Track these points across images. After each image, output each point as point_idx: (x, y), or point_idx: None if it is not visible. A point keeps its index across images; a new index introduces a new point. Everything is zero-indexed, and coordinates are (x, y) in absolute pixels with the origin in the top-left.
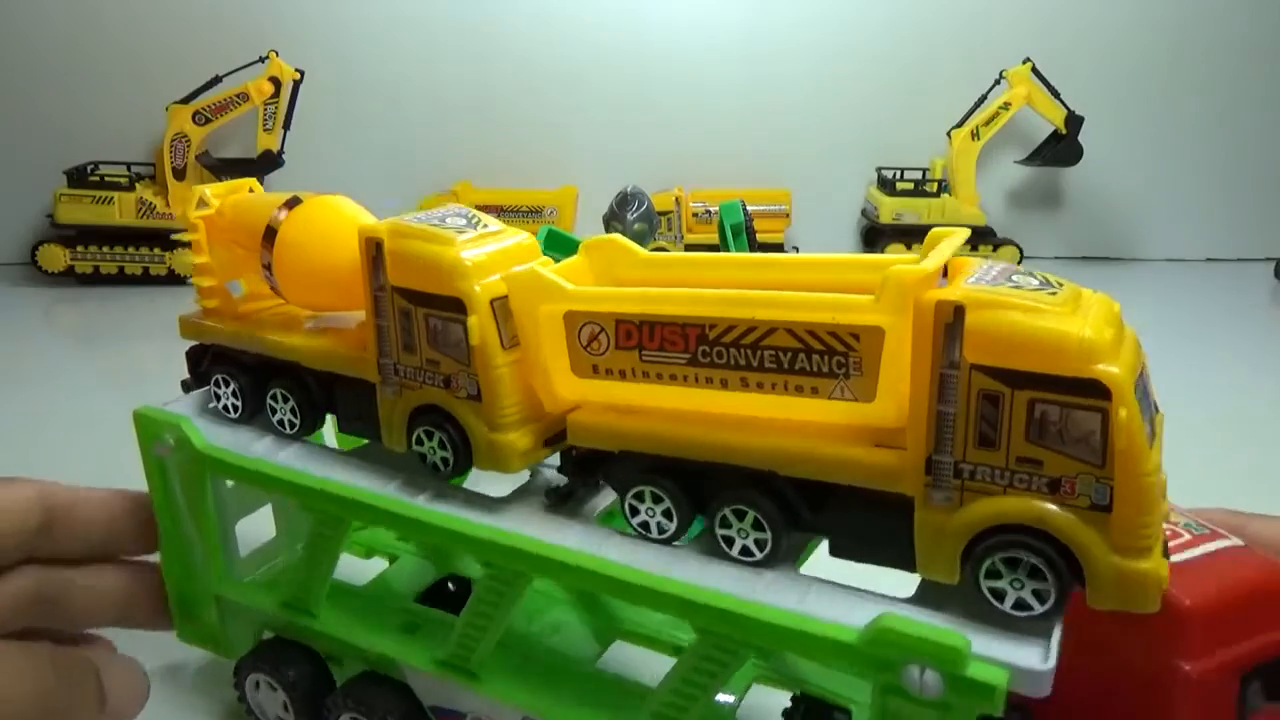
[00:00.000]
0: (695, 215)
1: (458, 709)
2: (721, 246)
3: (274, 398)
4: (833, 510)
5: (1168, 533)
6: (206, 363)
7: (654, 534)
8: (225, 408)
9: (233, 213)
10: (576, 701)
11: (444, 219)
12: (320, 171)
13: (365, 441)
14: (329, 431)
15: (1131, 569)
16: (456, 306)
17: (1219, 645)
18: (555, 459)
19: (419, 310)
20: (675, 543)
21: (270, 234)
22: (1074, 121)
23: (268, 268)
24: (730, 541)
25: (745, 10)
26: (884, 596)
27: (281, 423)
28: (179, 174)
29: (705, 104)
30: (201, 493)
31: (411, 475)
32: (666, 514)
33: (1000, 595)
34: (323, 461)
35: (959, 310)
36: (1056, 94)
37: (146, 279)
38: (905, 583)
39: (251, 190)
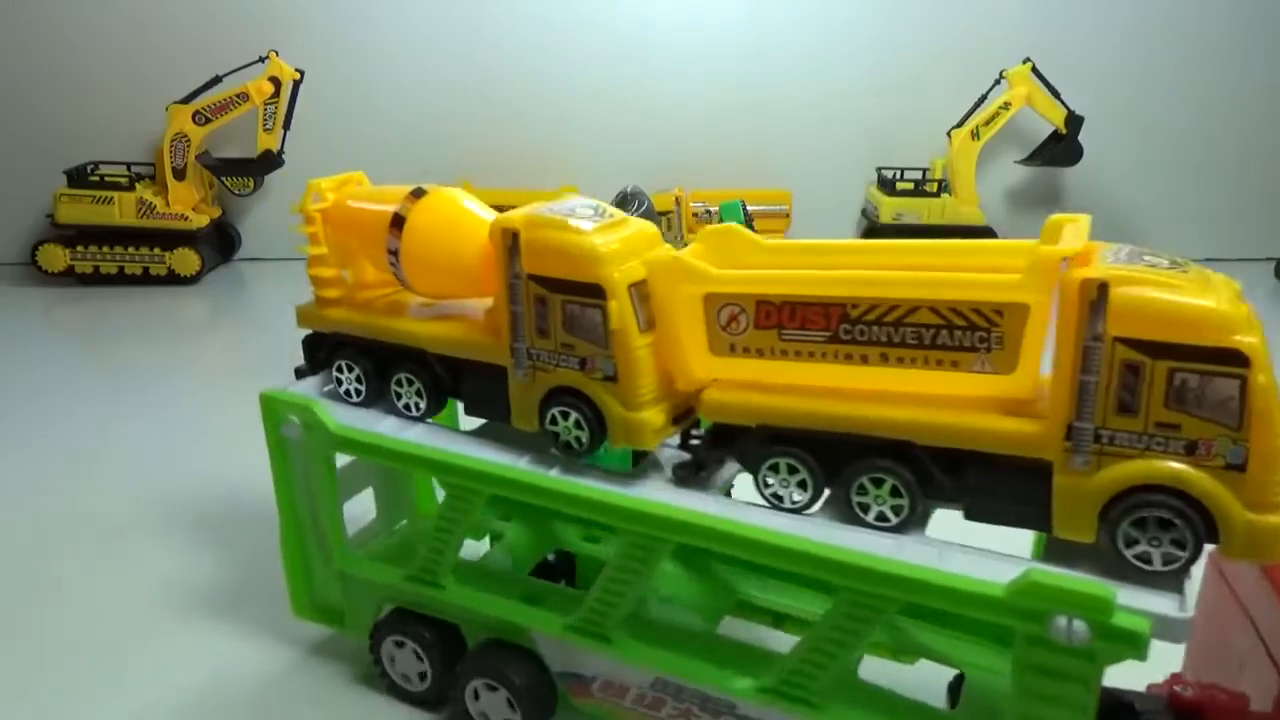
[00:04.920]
0: (695, 215)
1: (585, 673)
2: None
3: (399, 383)
4: (969, 477)
5: None
6: (326, 350)
7: (786, 505)
8: (347, 392)
9: (350, 203)
10: (709, 661)
11: (573, 209)
12: (320, 171)
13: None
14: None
15: (1264, 522)
16: (595, 292)
17: None
18: (673, 438)
19: (556, 297)
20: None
21: (399, 221)
22: (1074, 121)
23: (394, 254)
24: (866, 508)
25: (746, 10)
26: (1012, 557)
27: (407, 406)
28: (179, 174)
29: (705, 104)
30: (328, 473)
31: (538, 453)
32: (801, 485)
33: (1139, 553)
34: (450, 440)
35: (1103, 287)
36: (1056, 94)
37: (146, 279)
38: (1022, 548)
39: (360, 183)
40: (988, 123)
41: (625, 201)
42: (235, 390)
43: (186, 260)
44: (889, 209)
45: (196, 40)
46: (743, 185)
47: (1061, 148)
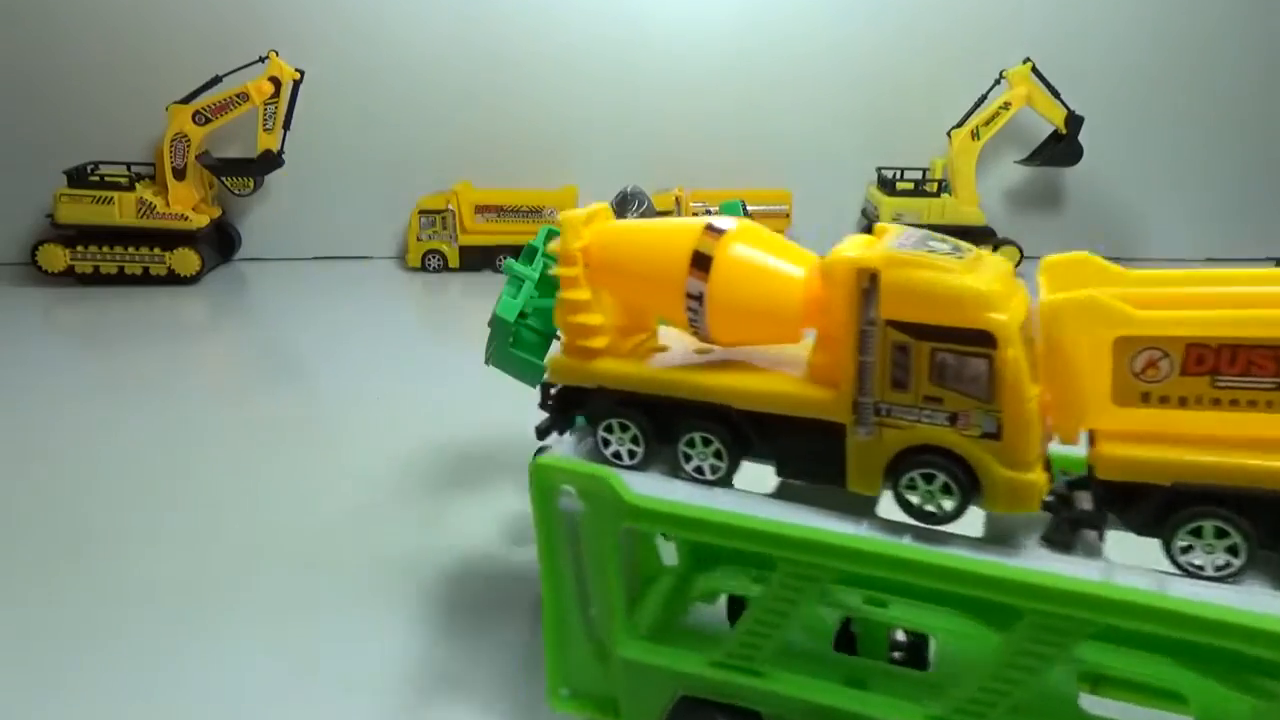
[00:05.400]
0: (696, 215)
1: None
2: None
3: (690, 443)
4: None
5: None
6: (587, 407)
7: (1208, 572)
8: (616, 454)
9: (619, 241)
10: None
11: (924, 243)
12: (320, 171)
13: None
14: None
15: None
16: (983, 340)
17: None
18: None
19: (922, 345)
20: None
21: (703, 261)
22: (1074, 121)
23: (697, 298)
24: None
25: (746, 10)
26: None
27: (699, 469)
28: (179, 174)
29: (705, 104)
30: (614, 549)
31: (872, 518)
32: (1231, 550)
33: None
34: (766, 507)
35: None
36: (1056, 94)
37: (146, 279)
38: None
39: (607, 216)
40: (988, 123)
41: (625, 201)
42: (235, 391)
43: (186, 260)
44: (889, 209)
45: (196, 40)
46: (743, 185)
47: (1061, 148)
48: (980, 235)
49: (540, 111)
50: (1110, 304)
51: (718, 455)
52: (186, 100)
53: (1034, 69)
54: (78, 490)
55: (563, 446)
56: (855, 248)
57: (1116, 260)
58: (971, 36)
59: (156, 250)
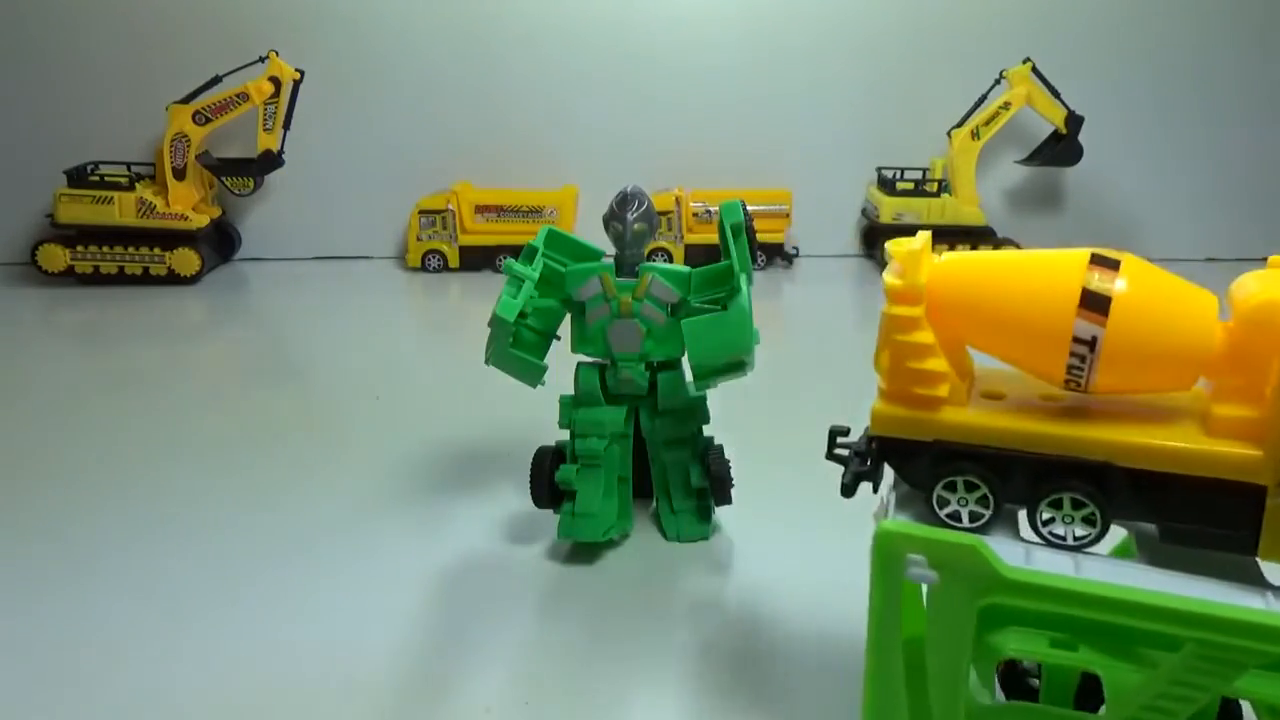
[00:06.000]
0: (695, 215)
1: None
2: (721, 246)
3: (1054, 504)
4: None
5: None
6: (919, 460)
7: None
8: (954, 515)
9: (973, 279)
10: None
11: None
12: (320, 171)
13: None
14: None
15: None
16: None
17: None
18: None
19: None
20: None
21: (1098, 302)
22: (1074, 121)
23: (1089, 344)
24: None
25: (746, 10)
26: None
27: (1060, 535)
28: (179, 174)
29: (705, 104)
30: (966, 624)
31: (1264, 585)
32: None
33: None
34: (1146, 576)
35: None
36: (1056, 94)
37: (146, 279)
38: None
39: (950, 249)
40: (988, 123)
41: (625, 201)
42: (235, 391)
43: (186, 260)
44: (889, 209)
45: (196, 40)
46: (743, 185)
47: (1061, 148)
48: (980, 235)
49: (540, 111)
50: None
51: (1088, 520)
52: (186, 100)
53: (1034, 69)
54: (78, 490)
55: (900, 513)
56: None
57: None
58: (971, 36)
59: (156, 250)
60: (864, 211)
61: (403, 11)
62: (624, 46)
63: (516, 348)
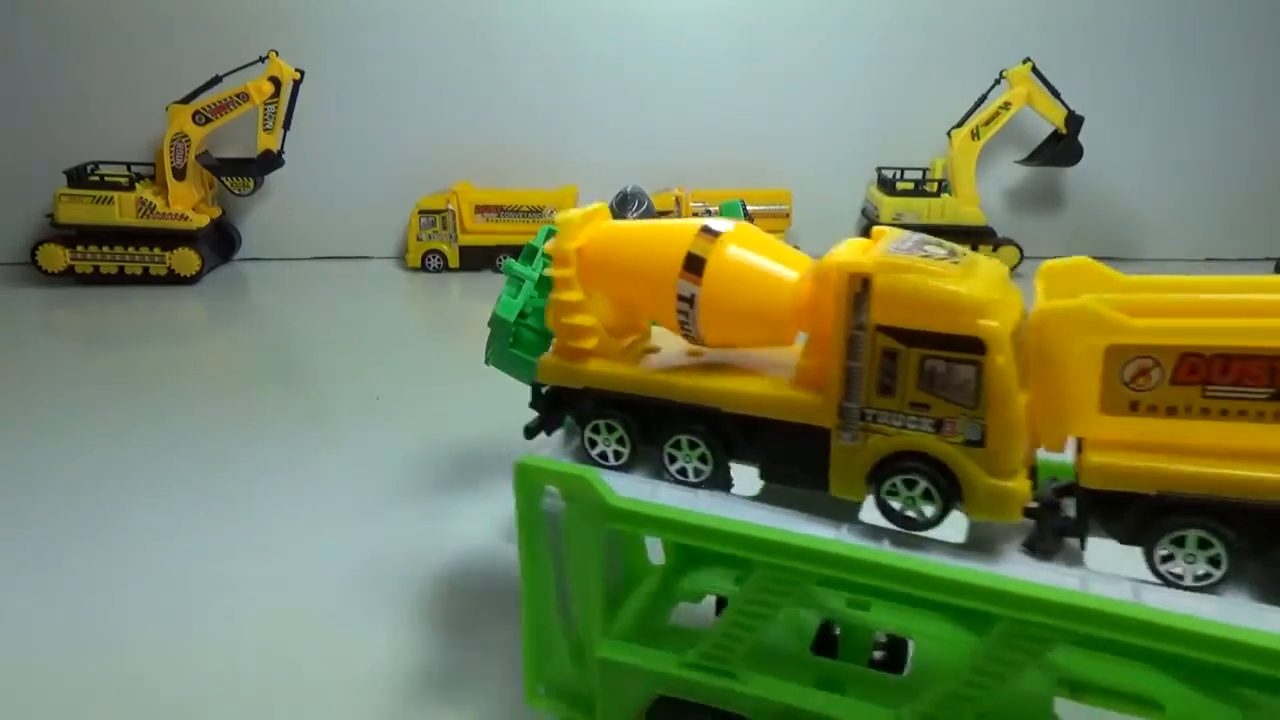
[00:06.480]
0: (695, 215)
1: None
2: None
3: (676, 445)
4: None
5: None
6: (574, 407)
7: (1188, 583)
8: (603, 455)
9: (615, 242)
10: None
11: (919, 247)
12: (320, 171)
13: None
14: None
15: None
16: (973, 346)
17: None
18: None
19: (913, 351)
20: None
21: (695, 264)
22: (1074, 121)
23: (688, 300)
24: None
25: (746, 11)
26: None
27: (683, 471)
28: (179, 174)
29: (705, 104)
30: (597, 549)
31: (854, 523)
32: (1213, 561)
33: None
34: (747, 510)
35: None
36: (1056, 94)
37: (146, 279)
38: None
39: (606, 216)
40: (988, 123)
41: (625, 201)
42: (235, 390)
43: (186, 260)
44: (889, 209)
45: (196, 40)
46: (743, 185)
47: (1061, 148)
48: (980, 235)
49: (540, 111)
50: (1104, 313)
51: (703, 459)
52: (186, 100)
53: (1034, 69)
54: (77, 489)
55: (549, 447)
56: (849, 251)
57: (1116, 261)
58: (971, 36)
59: (156, 250)
60: (864, 211)
61: (403, 12)
62: (624, 46)
63: (516, 348)
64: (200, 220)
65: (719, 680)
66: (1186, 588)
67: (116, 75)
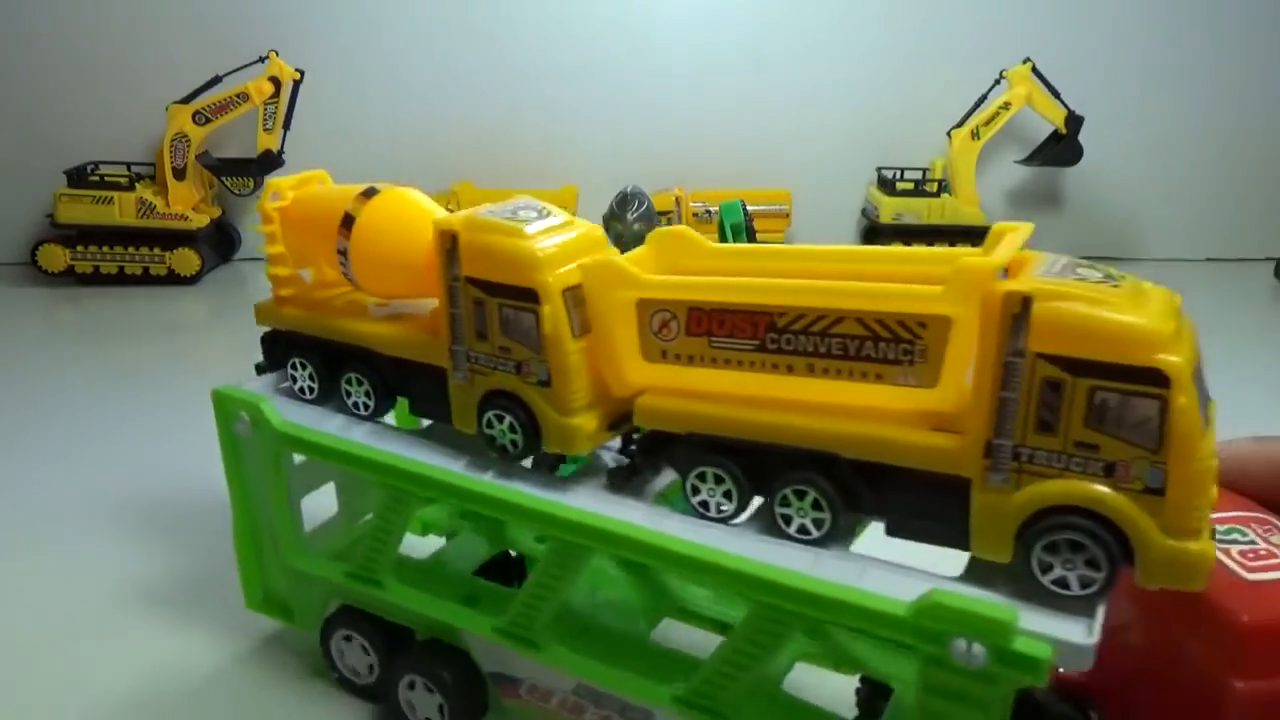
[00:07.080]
0: (695, 215)
1: (515, 675)
2: None
3: (349, 381)
4: (890, 491)
5: (1264, 550)
6: (283, 348)
7: (713, 513)
8: (301, 389)
9: (306, 203)
10: (630, 669)
11: (515, 211)
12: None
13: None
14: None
15: (1182, 550)
16: (530, 296)
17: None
18: (615, 442)
19: (493, 300)
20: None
21: (348, 221)
22: (1074, 121)
23: (343, 254)
24: (789, 520)
25: (746, 10)
26: (936, 575)
27: (356, 405)
28: (179, 174)
29: (705, 104)
30: (275, 469)
31: (476, 456)
32: (727, 495)
33: (1055, 578)
34: (392, 440)
35: (1026, 301)
36: (1056, 94)
37: (146, 279)
38: (955, 565)
39: (322, 182)
40: (988, 123)
41: (625, 201)
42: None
43: (186, 260)
44: (889, 209)
45: (196, 40)
46: (743, 185)
47: (1061, 148)
48: (980, 235)
49: (540, 111)
50: (624, 268)
51: (367, 394)
52: (186, 100)
53: (1034, 69)
54: (77, 488)
55: (258, 382)
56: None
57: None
58: (971, 36)
59: (156, 250)
60: (864, 211)
61: (403, 12)
62: (625, 48)
63: None
64: (200, 220)
65: (370, 589)
66: (712, 519)
67: (116, 75)
